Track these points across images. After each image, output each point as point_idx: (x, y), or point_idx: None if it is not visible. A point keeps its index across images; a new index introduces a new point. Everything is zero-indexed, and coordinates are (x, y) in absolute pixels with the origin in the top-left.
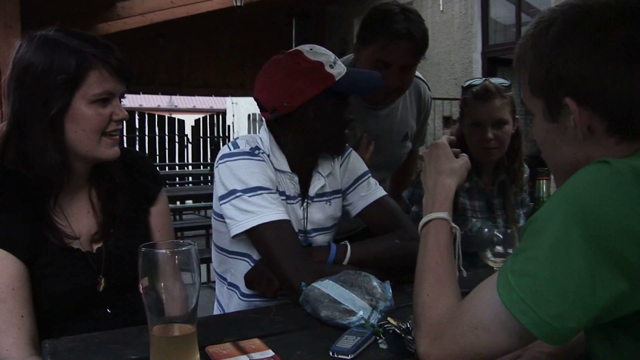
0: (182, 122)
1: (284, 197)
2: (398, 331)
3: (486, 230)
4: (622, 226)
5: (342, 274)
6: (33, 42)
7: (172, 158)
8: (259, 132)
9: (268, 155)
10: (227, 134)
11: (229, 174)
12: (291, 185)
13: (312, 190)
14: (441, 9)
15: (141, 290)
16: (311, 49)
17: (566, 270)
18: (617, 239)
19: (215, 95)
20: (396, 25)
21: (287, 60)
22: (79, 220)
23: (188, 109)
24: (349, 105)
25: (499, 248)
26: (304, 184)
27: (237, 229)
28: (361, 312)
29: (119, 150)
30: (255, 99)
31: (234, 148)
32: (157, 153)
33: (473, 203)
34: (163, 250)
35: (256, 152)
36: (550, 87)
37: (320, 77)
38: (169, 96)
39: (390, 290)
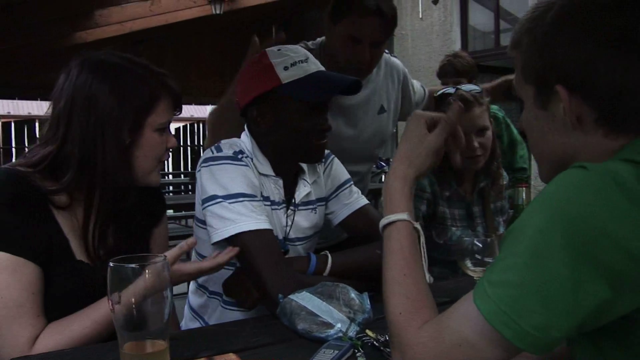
0: None
1: (268, 203)
2: (377, 344)
3: (466, 239)
4: (603, 232)
5: (320, 285)
6: (97, 69)
7: None
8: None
9: (252, 159)
10: None
11: (210, 178)
12: (276, 190)
13: (298, 197)
14: (420, 16)
15: (110, 307)
16: (279, 49)
17: (548, 278)
18: (599, 245)
19: (196, 104)
20: (366, 2)
21: (250, 61)
22: (97, 236)
23: None
24: (312, 112)
25: (478, 257)
26: (289, 189)
27: (216, 237)
28: (339, 325)
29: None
30: None
31: (217, 152)
32: None
33: (453, 211)
34: (133, 265)
35: (239, 156)
36: (543, 73)
37: (264, 79)
38: None
39: (369, 302)
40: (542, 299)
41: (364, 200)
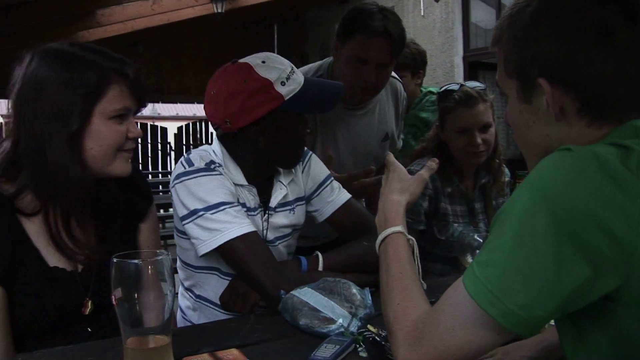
0: (164, 130)
1: (244, 209)
2: (378, 339)
3: (466, 234)
4: (586, 211)
5: (321, 281)
6: (46, 57)
7: (155, 166)
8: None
9: (223, 169)
10: (210, 141)
11: (187, 193)
12: (250, 196)
13: (274, 201)
14: (422, 13)
15: (114, 302)
16: (264, 62)
17: (531, 257)
18: (581, 224)
19: (197, 103)
20: (373, 22)
21: (235, 75)
22: (73, 239)
23: (171, 116)
24: (304, 121)
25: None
26: (265, 193)
27: (204, 248)
28: (340, 320)
29: (131, 167)
30: (204, 110)
31: (189, 166)
32: (140, 161)
33: (455, 208)
34: (136, 261)
35: (212, 166)
36: (524, 67)
37: (267, 98)
38: (151, 104)
39: (370, 297)
40: (526, 277)
41: (346, 195)
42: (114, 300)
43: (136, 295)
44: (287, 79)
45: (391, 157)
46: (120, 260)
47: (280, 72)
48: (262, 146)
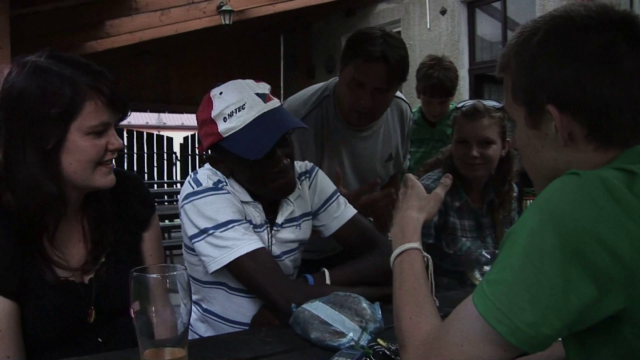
0: (170, 140)
1: (251, 226)
2: (388, 352)
3: (474, 250)
4: (592, 232)
5: (332, 295)
6: (24, 70)
7: (160, 176)
8: None
9: (230, 187)
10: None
11: (196, 213)
12: (256, 213)
13: (280, 218)
14: (428, 26)
15: (132, 314)
16: (221, 93)
17: (539, 276)
18: (587, 244)
19: None
20: (372, 47)
21: (202, 104)
22: (72, 250)
23: (176, 126)
24: (266, 157)
25: (487, 268)
26: (271, 210)
27: (214, 266)
28: (351, 334)
29: (114, 178)
30: None
31: (197, 186)
32: (146, 171)
33: (463, 222)
34: (154, 275)
35: (220, 185)
36: (532, 94)
37: (208, 132)
38: (157, 114)
39: (380, 312)
40: (533, 296)
41: (352, 211)
42: (132, 313)
43: (154, 308)
44: (230, 115)
45: (410, 175)
46: (139, 274)
47: (225, 109)
48: (226, 171)
